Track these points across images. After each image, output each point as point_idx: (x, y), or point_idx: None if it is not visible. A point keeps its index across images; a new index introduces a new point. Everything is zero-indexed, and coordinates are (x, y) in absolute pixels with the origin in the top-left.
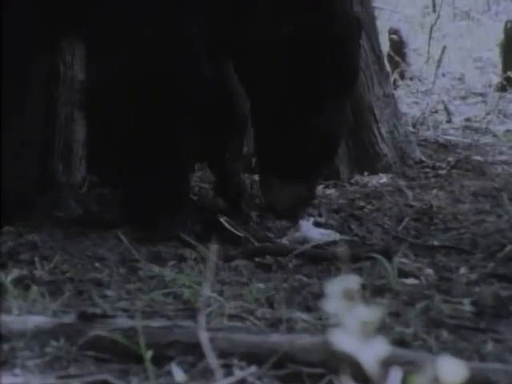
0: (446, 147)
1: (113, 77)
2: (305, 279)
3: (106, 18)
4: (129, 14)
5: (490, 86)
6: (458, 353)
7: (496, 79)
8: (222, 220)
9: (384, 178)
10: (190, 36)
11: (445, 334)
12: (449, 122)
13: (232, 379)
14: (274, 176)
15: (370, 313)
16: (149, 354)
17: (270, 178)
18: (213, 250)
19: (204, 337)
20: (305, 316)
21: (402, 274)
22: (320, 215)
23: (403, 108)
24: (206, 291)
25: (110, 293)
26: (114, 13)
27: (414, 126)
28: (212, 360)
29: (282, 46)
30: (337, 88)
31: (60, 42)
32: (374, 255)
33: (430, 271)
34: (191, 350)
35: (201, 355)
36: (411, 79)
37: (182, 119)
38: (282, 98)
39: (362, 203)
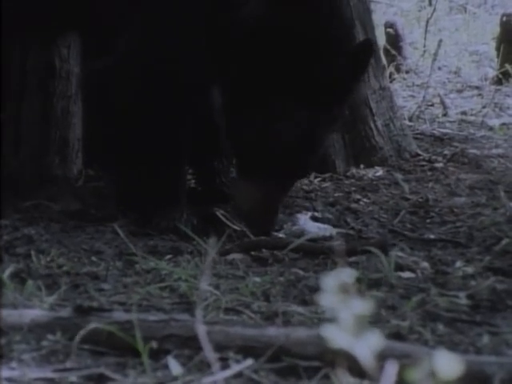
0: (442, 140)
1: (113, 69)
2: (301, 273)
3: (107, 13)
4: (130, 9)
5: (485, 79)
6: (453, 346)
7: (492, 73)
8: (219, 213)
9: (380, 171)
10: (189, 30)
11: (441, 327)
12: (445, 115)
13: (228, 372)
14: (239, 176)
15: (366, 306)
16: (146, 348)
17: (237, 179)
18: (211, 244)
19: (201, 330)
20: (301, 309)
21: (398, 267)
22: (316, 210)
23: (399, 101)
24: (204, 284)
25: (106, 286)
26: (116, 8)
27: (410, 119)
28: (209, 353)
29: (259, 37)
30: (317, 95)
31: (58, 36)
32: (370, 249)
33: (425, 264)
34: (188, 344)
35: (197, 348)
36: (407, 72)
37: (180, 112)
38: (252, 97)
39: (358, 196)
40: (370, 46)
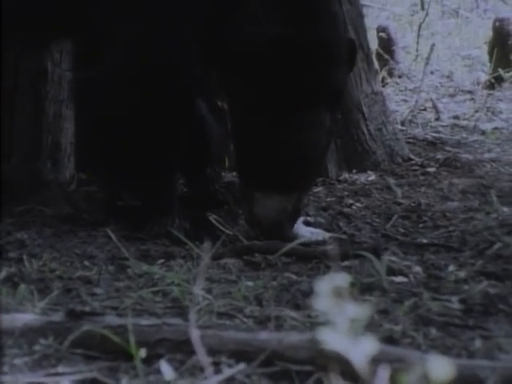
0: (435, 145)
1: (106, 75)
2: (294, 277)
3: (99, 18)
4: (123, 13)
5: (478, 83)
6: (446, 350)
7: (484, 77)
8: (211, 218)
9: (372, 176)
10: (182, 35)
11: (433, 331)
12: (437, 119)
13: (221, 377)
14: (255, 189)
15: (359, 310)
16: (138, 352)
17: (251, 192)
18: (205, 248)
19: (195, 334)
20: (294, 314)
21: (391, 271)
22: (308, 214)
23: (392, 106)
24: (197, 289)
25: (98, 291)
26: (108, 12)
27: (402, 123)
28: (202, 357)
29: (265, 52)
30: (320, 99)
31: (51, 41)
32: (363, 253)
33: (418, 269)
34: (180, 348)
35: (190, 353)
36: (400, 77)
37: (173, 118)
38: (263, 107)
39: (350, 201)
40: (353, 45)
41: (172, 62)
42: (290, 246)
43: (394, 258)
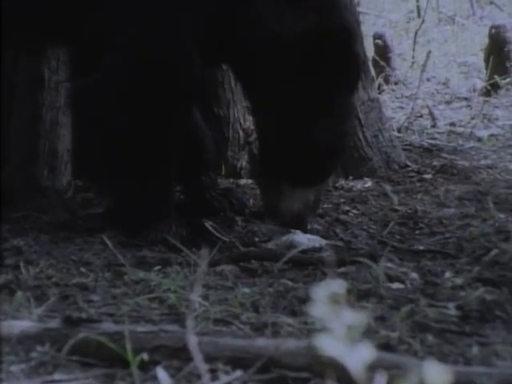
0: (431, 152)
1: (103, 82)
2: (290, 284)
3: (95, 23)
4: (120, 18)
5: (474, 90)
6: (443, 357)
7: (480, 84)
8: (207, 225)
9: (369, 183)
10: (182, 39)
11: (430, 337)
12: (433, 126)
13: None
14: (283, 183)
15: (356, 317)
16: (135, 359)
17: (279, 185)
18: (202, 255)
19: (192, 341)
20: (290, 320)
21: (388, 278)
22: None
23: (388, 112)
24: (194, 295)
25: (95, 297)
26: (104, 17)
27: (398, 130)
28: (199, 364)
29: (289, 49)
30: (343, 88)
31: (46, 46)
32: (360, 259)
33: (415, 275)
34: (177, 355)
35: (186, 359)
36: (396, 84)
37: (170, 125)
38: (290, 103)
39: (347, 208)
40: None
41: (173, 64)
42: (286, 253)
43: (390, 265)
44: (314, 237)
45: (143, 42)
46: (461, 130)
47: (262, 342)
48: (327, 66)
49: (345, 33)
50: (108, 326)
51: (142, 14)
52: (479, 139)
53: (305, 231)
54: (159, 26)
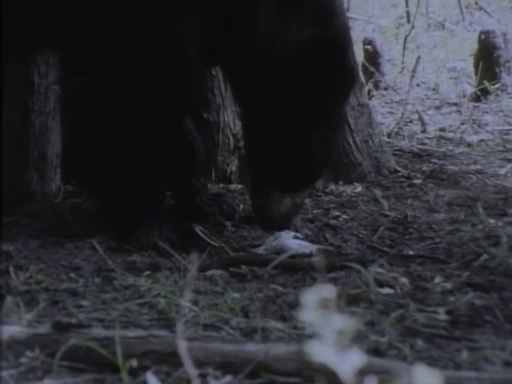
0: (421, 157)
1: (92, 85)
2: (280, 289)
3: (90, 28)
4: (116, 23)
5: (464, 96)
6: (432, 361)
7: (470, 89)
8: (197, 230)
9: (359, 188)
10: (179, 44)
11: (420, 342)
12: (423, 131)
13: None
14: (270, 187)
15: (346, 322)
16: (125, 364)
17: (266, 190)
18: (192, 260)
19: (182, 346)
20: (280, 325)
21: (377, 283)
22: (296, 229)
23: (378, 118)
24: (184, 300)
25: (85, 303)
26: (100, 22)
27: (388, 135)
28: (189, 369)
29: (284, 59)
30: (336, 97)
31: (37, 51)
32: (350, 264)
33: (404, 280)
34: (166, 360)
35: (176, 364)
36: (386, 89)
37: (161, 130)
38: (282, 110)
39: (336, 213)
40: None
41: (168, 68)
42: (276, 258)
43: (380, 270)
44: (304, 242)
45: (139, 46)
46: (450, 135)
47: (252, 347)
48: (320, 76)
49: (339, 44)
50: (98, 331)
51: (139, 19)
52: (469, 144)
53: (289, 230)
54: (155, 31)
